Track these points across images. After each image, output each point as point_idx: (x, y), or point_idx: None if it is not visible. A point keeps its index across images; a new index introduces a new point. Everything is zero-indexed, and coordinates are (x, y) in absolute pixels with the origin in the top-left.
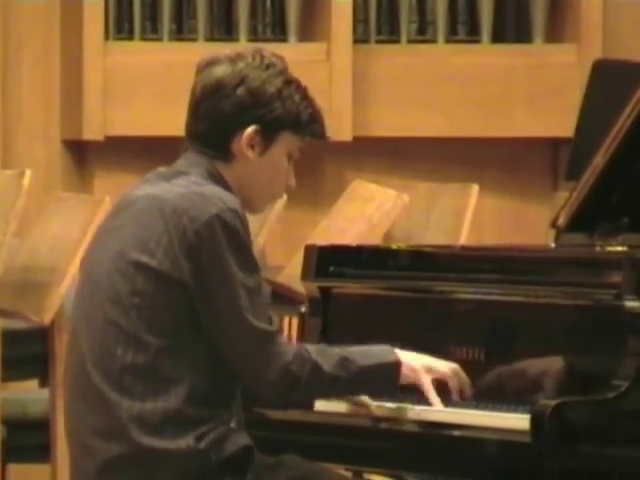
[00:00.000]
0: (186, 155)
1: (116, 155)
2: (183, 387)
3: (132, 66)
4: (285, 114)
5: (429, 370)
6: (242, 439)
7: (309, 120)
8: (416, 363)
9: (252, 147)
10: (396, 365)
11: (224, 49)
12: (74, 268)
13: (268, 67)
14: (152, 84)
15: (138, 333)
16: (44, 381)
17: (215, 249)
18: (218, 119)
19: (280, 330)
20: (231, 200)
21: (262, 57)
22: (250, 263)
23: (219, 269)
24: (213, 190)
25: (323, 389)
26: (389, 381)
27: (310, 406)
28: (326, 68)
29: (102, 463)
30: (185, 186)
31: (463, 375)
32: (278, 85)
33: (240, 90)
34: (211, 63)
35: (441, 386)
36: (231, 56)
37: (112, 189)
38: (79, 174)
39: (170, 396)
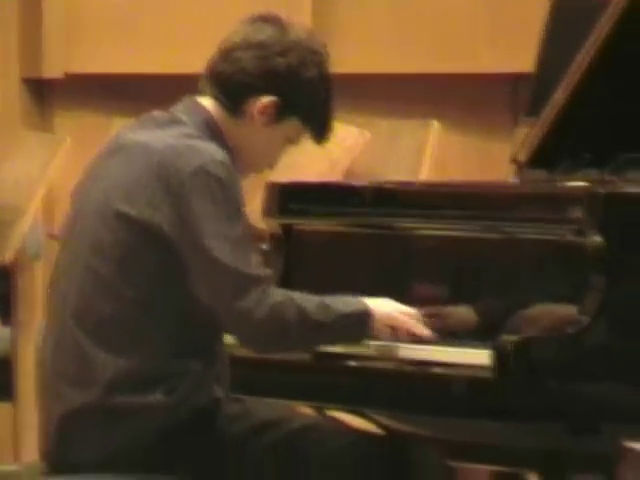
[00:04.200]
0: (189, 100)
1: (77, 93)
2: (157, 341)
3: (93, 2)
4: (305, 103)
5: (401, 312)
6: (213, 391)
7: (321, 121)
8: (387, 308)
9: (262, 114)
10: (368, 313)
11: None
12: (34, 207)
13: (314, 53)
14: (114, 20)
15: (116, 284)
16: (6, 320)
17: (197, 199)
18: (247, 72)
19: (268, 275)
20: (219, 153)
21: (313, 40)
22: (235, 214)
23: (199, 219)
24: (203, 144)
25: (308, 334)
26: (363, 328)
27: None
28: (284, 6)
29: (69, 409)
30: (176, 137)
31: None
32: (314, 74)
33: (279, 60)
34: (264, 19)
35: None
36: (285, 24)
37: (73, 127)
38: (39, 112)
39: (144, 351)
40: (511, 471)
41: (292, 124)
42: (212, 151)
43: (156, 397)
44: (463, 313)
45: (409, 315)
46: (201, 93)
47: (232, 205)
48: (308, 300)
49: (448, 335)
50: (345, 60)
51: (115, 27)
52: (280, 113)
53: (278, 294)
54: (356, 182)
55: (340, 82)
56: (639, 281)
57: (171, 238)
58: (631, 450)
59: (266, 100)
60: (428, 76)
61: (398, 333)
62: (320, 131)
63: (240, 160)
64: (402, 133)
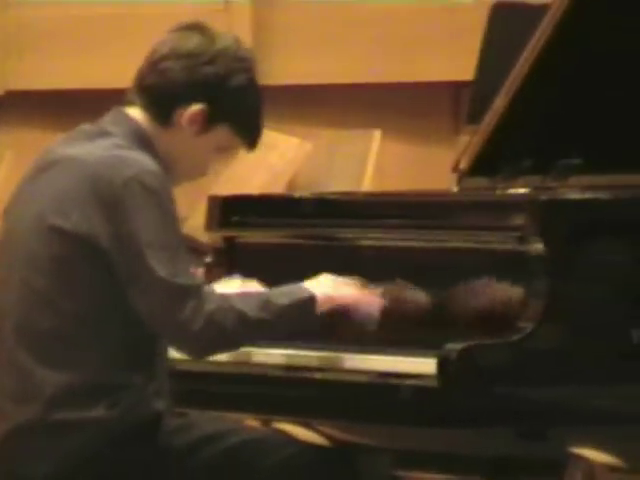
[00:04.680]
0: (117, 112)
1: (17, 109)
2: (99, 355)
3: (32, 18)
4: (235, 110)
5: (341, 289)
6: (155, 404)
7: (251, 127)
8: (327, 289)
9: (191, 123)
10: (312, 299)
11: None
12: None
13: (241, 60)
14: (53, 37)
15: (53, 298)
16: None
17: (131, 210)
18: (175, 82)
19: (203, 284)
20: (151, 163)
21: (240, 48)
22: (169, 224)
23: (134, 230)
24: (133, 154)
25: (249, 334)
26: (309, 316)
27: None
28: (225, 20)
29: (12, 427)
30: (107, 148)
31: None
32: (241, 81)
33: (207, 69)
34: (192, 28)
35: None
36: (212, 33)
37: (14, 143)
38: None
39: (85, 365)
40: (458, 478)
41: (222, 132)
42: (143, 161)
43: (99, 411)
44: (407, 321)
45: (352, 287)
46: (129, 104)
47: (166, 215)
48: (247, 300)
49: (393, 343)
50: (286, 71)
51: (55, 44)
52: (209, 121)
53: (214, 300)
54: (297, 193)
55: (281, 93)
56: (581, 287)
57: (107, 250)
58: (579, 457)
59: (195, 109)
60: (369, 85)
61: (345, 314)
62: (251, 137)
63: (172, 170)
64: (344, 143)
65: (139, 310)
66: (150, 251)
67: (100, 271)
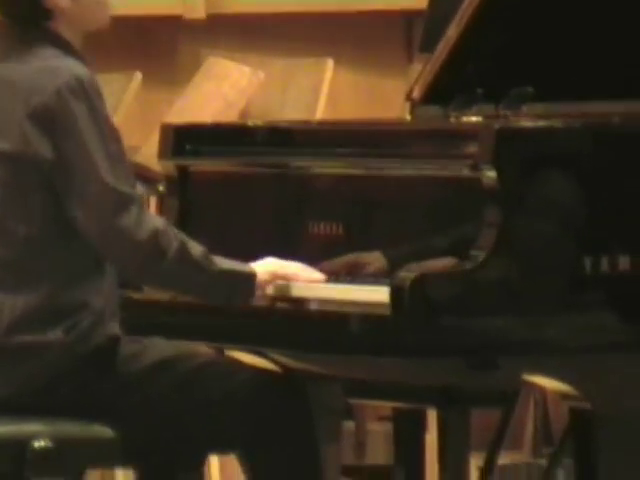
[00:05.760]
0: (9, 33)
1: None
2: (53, 277)
3: None
4: None
5: (284, 268)
6: (110, 329)
7: None
8: (271, 267)
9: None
10: (253, 276)
11: None
12: None
13: None
14: None
15: (5, 223)
16: None
17: (67, 118)
18: None
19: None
20: (79, 68)
21: None
22: (107, 129)
23: (74, 138)
24: (58, 62)
25: (185, 274)
26: (245, 289)
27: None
28: None
29: None
30: (29, 62)
31: (314, 272)
32: None
33: None
34: None
35: None
36: None
37: None
38: None
39: (40, 288)
40: (410, 407)
41: None
42: (72, 67)
43: (56, 334)
44: (360, 251)
45: (295, 268)
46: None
47: (102, 121)
48: (193, 243)
49: (346, 273)
50: (238, 0)
51: None
52: None
53: (159, 221)
54: (250, 122)
55: (233, 22)
56: (533, 215)
57: (48, 163)
58: (531, 386)
59: None
60: (322, 14)
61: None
62: None
63: (88, 29)
64: (297, 72)
65: (79, 222)
66: (90, 158)
67: (46, 190)
